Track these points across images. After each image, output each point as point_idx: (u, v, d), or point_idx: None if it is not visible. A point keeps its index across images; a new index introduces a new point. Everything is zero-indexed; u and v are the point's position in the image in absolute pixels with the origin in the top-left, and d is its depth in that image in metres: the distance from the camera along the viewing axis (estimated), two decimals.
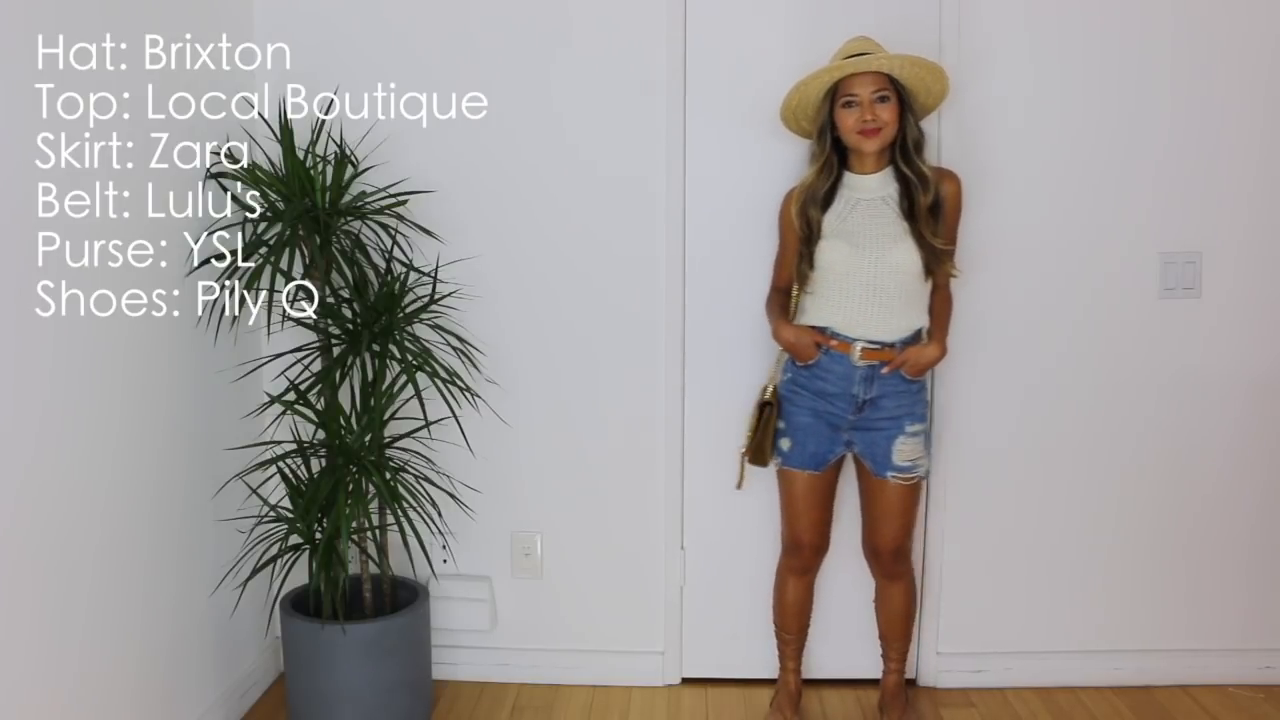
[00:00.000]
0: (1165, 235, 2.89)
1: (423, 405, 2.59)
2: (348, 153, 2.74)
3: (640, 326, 2.96)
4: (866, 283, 2.49)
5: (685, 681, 3.09)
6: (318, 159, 2.69)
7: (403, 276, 2.71)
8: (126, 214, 2.30)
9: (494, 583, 3.09)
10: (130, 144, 2.31)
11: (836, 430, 2.58)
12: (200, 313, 2.58)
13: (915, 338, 2.54)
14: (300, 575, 2.75)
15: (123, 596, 2.31)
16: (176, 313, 2.51)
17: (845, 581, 2.99)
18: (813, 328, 2.55)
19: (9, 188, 1.92)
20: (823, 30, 2.82)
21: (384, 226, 2.78)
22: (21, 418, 1.97)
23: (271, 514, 2.68)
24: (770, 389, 2.66)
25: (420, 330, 2.76)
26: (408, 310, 2.69)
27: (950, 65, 2.81)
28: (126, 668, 2.34)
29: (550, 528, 3.06)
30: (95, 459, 2.21)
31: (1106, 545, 3.00)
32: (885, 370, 2.51)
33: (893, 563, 2.68)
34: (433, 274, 2.76)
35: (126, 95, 2.29)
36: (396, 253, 2.78)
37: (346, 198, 2.73)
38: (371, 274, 2.73)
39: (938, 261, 2.50)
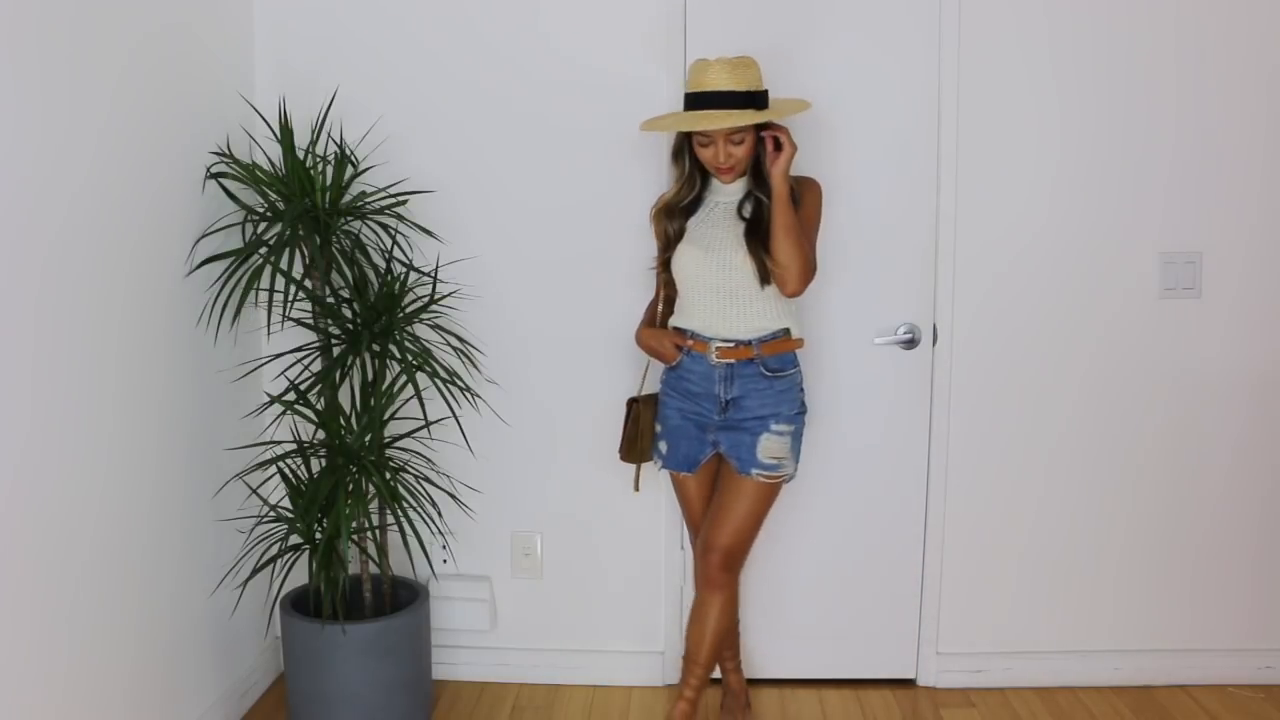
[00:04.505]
0: (1165, 235, 2.89)
1: (423, 405, 2.59)
2: (348, 152, 2.74)
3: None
4: (714, 285, 2.50)
5: None
6: (318, 159, 2.69)
7: (403, 276, 2.71)
8: (126, 214, 2.30)
9: (494, 583, 3.09)
10: (130, 143, 2.31)
11: (704, 431, 2.57)
12: (200, 313, 2.58)
13: (775, 337, 2.51)
14: (300, 575, 2.75)
15: (122, 596, 2.31)
16: (176, 313, 2.52)
17: (843, 581, 3.00)
18: (677, 330, 2.58)
19: (9, 187, 1.92)
20: (823, 28, 2.83)
21: (384, 226, 2.78)
22: (20, 417, 1.97)
23: (271, 514, 2.68)
24: (641, 385, 2.68)
25: (420, 330, 2.76)
26: (408, 310, 2.69)
27: (950, 65, 2.82)
28: (126, 667, 2.34)
29: (550, 528, 3.06)
30: (95, 459, 2.21)
31: (1106, 545, 3.00)
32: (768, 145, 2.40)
33: (720, 566, 2.52)
34: (433, 274, 2.76)
35: (126, 94, 2.30)
36: (396, 253, 2.78)
37: (346, 198, 2.73)
38: (371, 274, 2.73)
39: (768, 271, 2.44)
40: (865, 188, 2.87)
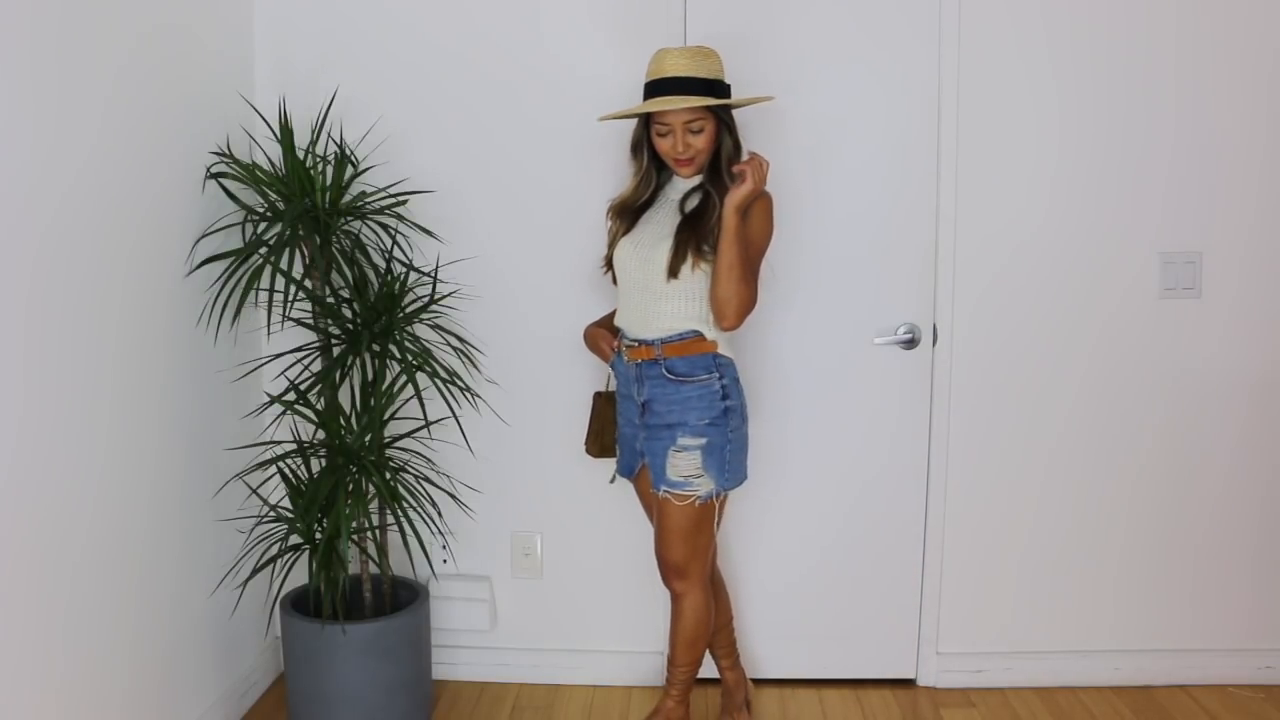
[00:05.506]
0: (1165, 235, 2.89)
1: (423, 405, 2.59)
2: (347, 152, 2.74)
3: None
4: (634, 280, 2.45)
5: None
6: (318, 159, 2.69)
7: (403, 276, 2.71)
8: (126, 214, 2.30)
9: (494, 583, 3.09)
10: (129, 143, 2.31)
11: (634, 439, 2.54)
12: (200, 313, 2.58)
13: (682, 338, 2.41)
14: (300, 575, 2.75)
15: (122, 596, 2.31)
16: (176, 313, 2.52)
17: (843, 581, 3.00)
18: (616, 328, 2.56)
19: (9, 187, 1.92)
20: (823, 27, 2.83)
21: (384, 226, 2.78)
22: (18, 417, 1.97)
23: (271, 514, 2.68)
24: (607, 381, 2.67)
25: (420, 330, 2.76)
26: (408, 310, 2.69)
27: (950, 63, 2.82)
28: (125, 667, 2.33)
29: (550, 528, 3.06)
30: (94, 459, 2.20)
31: (1106, 545, 3.00)
32: (735, 169, 2.33)
33: (669, 578, 2.51)
34: (433, 274, 2.76)
35: (126, 94, 2.30)
36: (396, 253, 2.78)
37: (346, 197, 2.73)
38: (371, 274, 2.73)
39: (681, 264, 2.35)
40: (864, 187, 2.88)
